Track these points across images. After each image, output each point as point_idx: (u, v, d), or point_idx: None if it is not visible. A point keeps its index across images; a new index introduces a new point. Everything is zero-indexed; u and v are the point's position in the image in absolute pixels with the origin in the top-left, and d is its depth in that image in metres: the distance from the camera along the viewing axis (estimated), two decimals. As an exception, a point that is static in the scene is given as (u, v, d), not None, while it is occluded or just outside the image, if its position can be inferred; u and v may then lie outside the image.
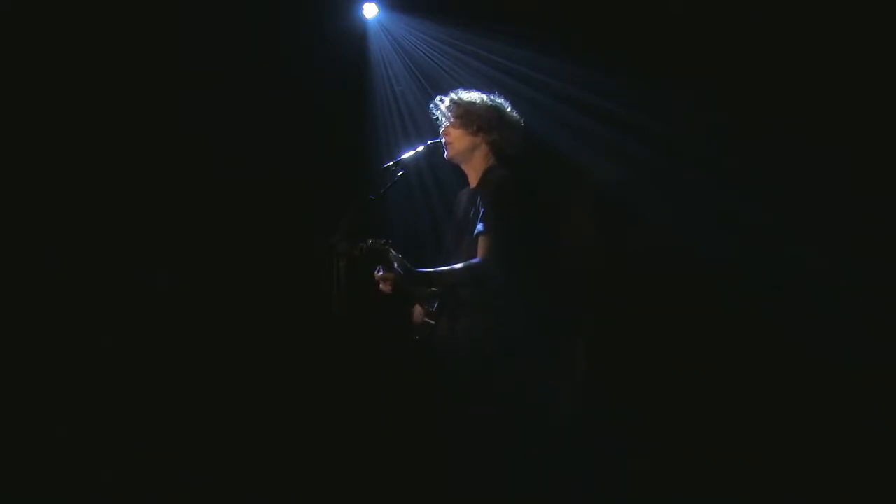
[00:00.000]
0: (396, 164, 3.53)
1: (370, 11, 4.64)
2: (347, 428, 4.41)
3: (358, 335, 3.99)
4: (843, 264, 4.02)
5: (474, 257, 3.36)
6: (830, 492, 3.81)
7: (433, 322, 3.46)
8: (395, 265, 3.34)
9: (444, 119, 3.59)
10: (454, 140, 3.53)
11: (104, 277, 4.53)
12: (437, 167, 3.98)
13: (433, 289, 3.46)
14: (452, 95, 3.59)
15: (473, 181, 3.57)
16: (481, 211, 3.40)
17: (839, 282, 4.02)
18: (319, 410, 4.45)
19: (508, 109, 3.59)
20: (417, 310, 3.55)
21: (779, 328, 4.05)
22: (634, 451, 4.02)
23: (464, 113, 3.53)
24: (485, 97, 3.58)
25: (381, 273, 3.41)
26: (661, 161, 4.20)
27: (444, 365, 3.44)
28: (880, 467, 3.80)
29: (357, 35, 4.71)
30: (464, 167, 3.60)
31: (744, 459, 3.97)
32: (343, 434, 4.40)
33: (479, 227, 3.37)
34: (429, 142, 3.61)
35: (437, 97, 3.64)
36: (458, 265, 3.38)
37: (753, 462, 3.97)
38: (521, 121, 3.62)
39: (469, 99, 3.57)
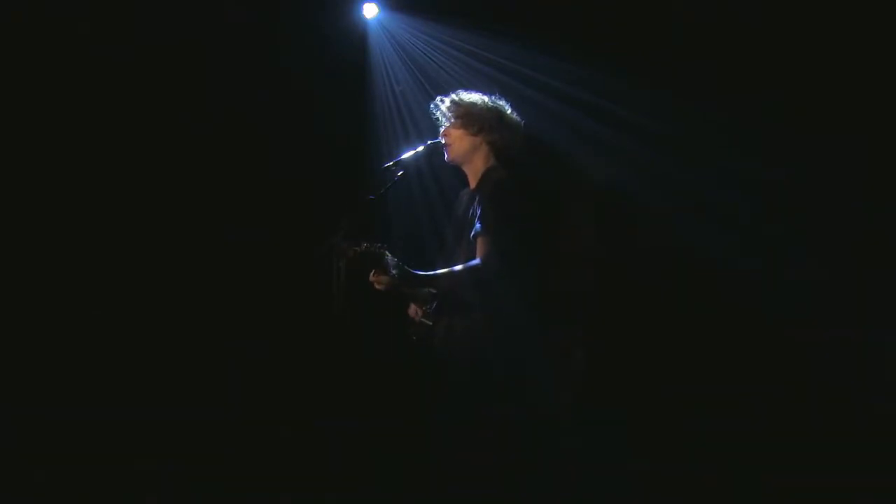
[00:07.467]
0: (396, 164, 3.52)
1: (370, 11, 4.64)
2: (346, 426, 4.41)
3: (357, 335, 3.99)
4: (845, 264, 4.03)
5: (474, 258, 3.35)
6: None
7: (431, 322, 3.46)
8: (392, 269, 3.33)
9: (444, 120, 3.58)
10: (454, 141, 3.52)
11: (104, 277, 4.54)
12: (437, 168, 3.98)
13: (432, 290, 3.46)
14: (453, 96, 3.58)
15: (473, 182, 3.56)
16: (478, 211, 3.40)
17: (840, 282, 4.03)
18: (319, 409, 4.46)
19: (509, 111, 3.57)
20: (416, 310, 3.55)
21: (779, 327, 4.06)
22: (633, 449, 4.02)
23: (464, 114, 3.51)
24: (485, 98, 3.57)
25: (376, 276, 3.41)
26: (661, 161, 4.20)
27: (443, 365, 3.44)
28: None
29: (357, 35, 4.71)
30: (464, 168, 3.59)
31: (743, 458, 3.98)
32: (342, 433, 4.40)
33: (477, 226, 3.36)
34: (429, 142, 3.60)
35: (438, 98, 3.63)
36: (457, 267, 3.37)
37: (753, 462, 3.98)
38: (522, 122, 3.61)
39: (470, 100, 3.55)
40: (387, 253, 3.34)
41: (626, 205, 4.25)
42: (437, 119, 3.61)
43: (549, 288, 3.52)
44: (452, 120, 3.53)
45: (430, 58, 4.57)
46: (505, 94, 3.64)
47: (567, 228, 4.29)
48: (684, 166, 4.14)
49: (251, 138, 4.60)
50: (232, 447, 4.41)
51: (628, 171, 4.24)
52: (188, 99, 4.54)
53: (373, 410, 4.42)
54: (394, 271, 3.33)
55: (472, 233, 3.38)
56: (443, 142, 3.55)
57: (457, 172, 3.67)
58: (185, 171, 4.59)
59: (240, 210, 4.62)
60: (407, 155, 3.54)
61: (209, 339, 4.55)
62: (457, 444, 3.38)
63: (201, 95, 4.55)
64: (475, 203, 3.46)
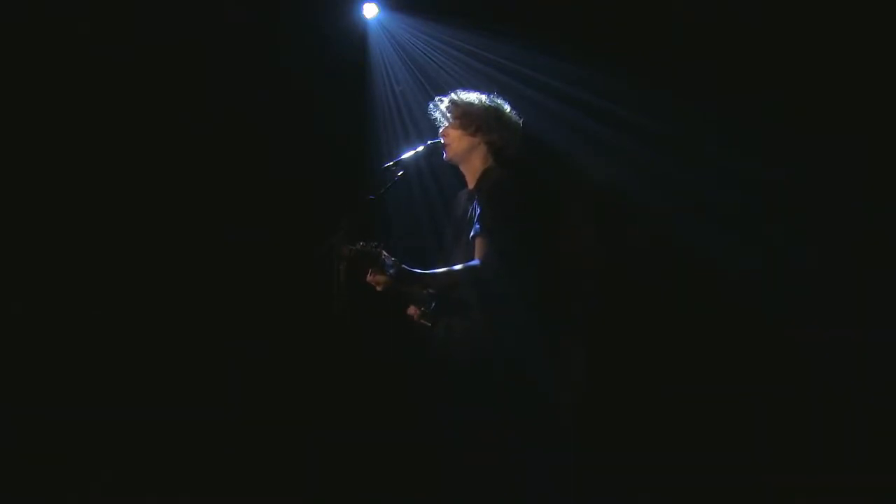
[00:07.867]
0: (396, 164, 3.51)
1: (370, 11, 4.64)
2: (346, 426, 4.41)
3: (357, 335, 3.99)
4: (845, 264, 4.03)
5: (472, 258, 3.35)
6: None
7: (430, 323, 3.45)
8: (389, 268, 3.32)
9: (442, 119, 3.58)
10: (453, 141, 3.51)
11: (104, 277, 4.54)
12: (437, 167, 3.98)
13: (430, 290, 3.45)
14: (451, 96, 3.57)
15: (471, 182, 3.55)
16: (478, 211, 3.39)
17: (840, 282, 4.03)
18: (319, 409, 4.46)
19: (507, 110, 3.56)
20: (415, 311, 3.54)
21: (779, 327, 4.06)
22: (633, 449, 4.03)
23: (462, 113, 3.50)
24: (484, 98, 3.56)
25: (372, 276, 3.40)
26: (661, 161, 4.20)
27: (442, 365, 3.43)
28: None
29: (357, 35, 4.71)
30: (462, 168, 3.58)
31: (743, 458, 3.98)
32: (342, 432, 4.40)
33: (476, 227, 3.36)
34: (428, 142, 3.59)
35: (436, 98, 3.62)
36: (456, 266, 3.36)
37: (753, 462, 3.98)
38: (520, 122, 3.60)
39: (468, 99, 3.54)
40: (383, 252, 3.34)
41: (626, 205, 4.25)
42: (436, 119, 3.61)
43: (548, 288, 3.51)
44: (450, 120, 3.53)
45: (430, 58, 4.56)
46: (505, 94, 3.63)
47: (567, 228, 4.29)
48: (684, 166, 4.14)
49: (251, 138, 4.60)
50: (232, 447, 4.41)
51: (628, 171, 4.24)
52: (188, 99, 4.55)
53: (372, 411, 4.42)
54: (391, 270, 3.32)
55: (472, 233, 3.38)
56: (442, 141, 3.55)
57: (456, 172, 3.67)
58: (185, 171, 4.59)
59: (240, 210, 4.62)
60: (407, 155, 3.53)
61: (209, 340, 4.55)
62: (456, 445, 3.37)
63: (201, 95, 4.55)
64: (474, 203, 3.45)
